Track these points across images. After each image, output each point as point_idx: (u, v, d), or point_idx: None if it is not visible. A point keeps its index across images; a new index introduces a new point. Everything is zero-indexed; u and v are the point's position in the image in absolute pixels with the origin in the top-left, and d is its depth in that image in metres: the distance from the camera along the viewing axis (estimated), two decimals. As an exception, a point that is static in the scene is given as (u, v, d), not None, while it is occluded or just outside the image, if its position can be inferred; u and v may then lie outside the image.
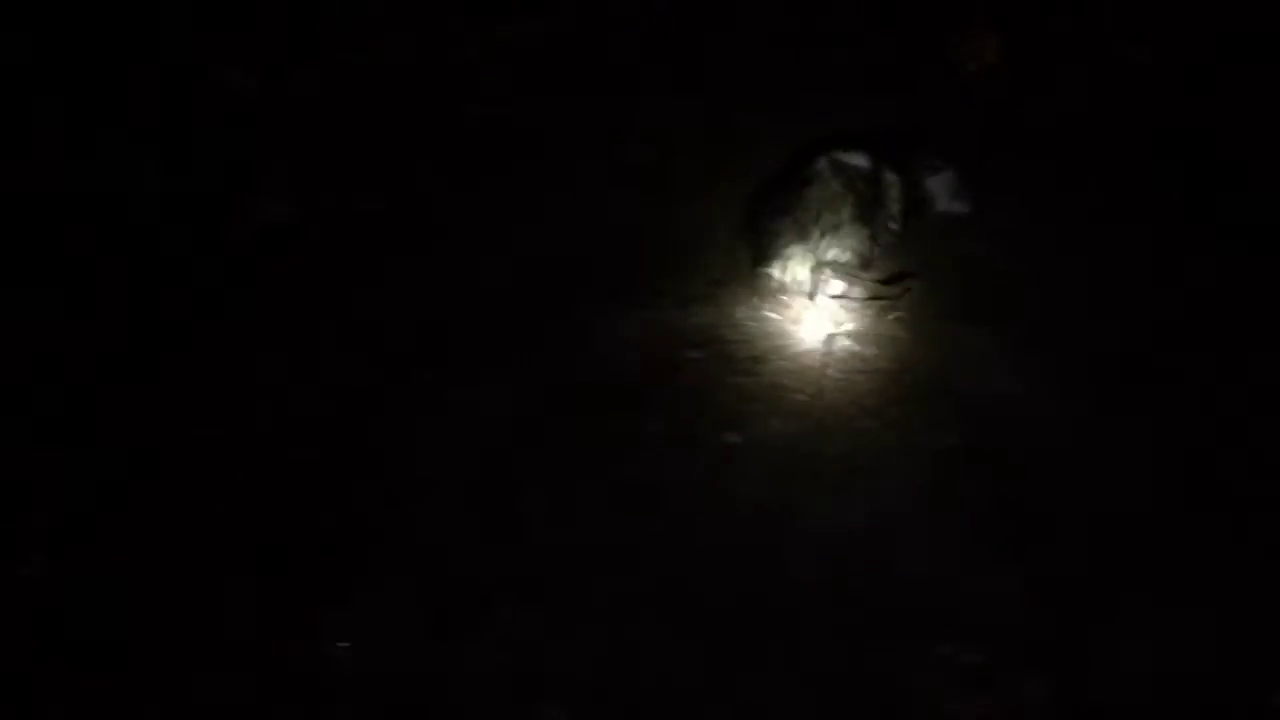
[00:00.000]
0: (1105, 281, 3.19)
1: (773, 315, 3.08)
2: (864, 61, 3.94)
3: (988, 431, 2.79)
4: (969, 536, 2.60)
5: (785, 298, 3.11)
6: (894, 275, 3.16)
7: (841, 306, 3.07)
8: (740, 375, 2.93)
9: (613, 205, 3.39)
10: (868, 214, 3.12)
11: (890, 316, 3.06)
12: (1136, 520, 2.61)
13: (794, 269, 3.08)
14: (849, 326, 3.04)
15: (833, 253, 3.08)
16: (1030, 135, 3.68)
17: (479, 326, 3.08)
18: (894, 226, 3.19)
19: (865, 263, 3.11)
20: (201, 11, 3.61)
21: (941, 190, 3.23)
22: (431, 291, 3.18)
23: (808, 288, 3.07)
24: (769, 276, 3.10)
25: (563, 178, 3.52)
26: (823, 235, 3.08)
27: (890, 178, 3.17)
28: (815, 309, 3.07)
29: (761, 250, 3.13)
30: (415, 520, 2.65)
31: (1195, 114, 3.72)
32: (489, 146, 3.62)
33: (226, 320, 3.09)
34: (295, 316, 3.11)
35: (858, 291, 3.08)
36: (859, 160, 3.16)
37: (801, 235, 3.09)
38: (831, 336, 3.01)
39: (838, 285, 3.08)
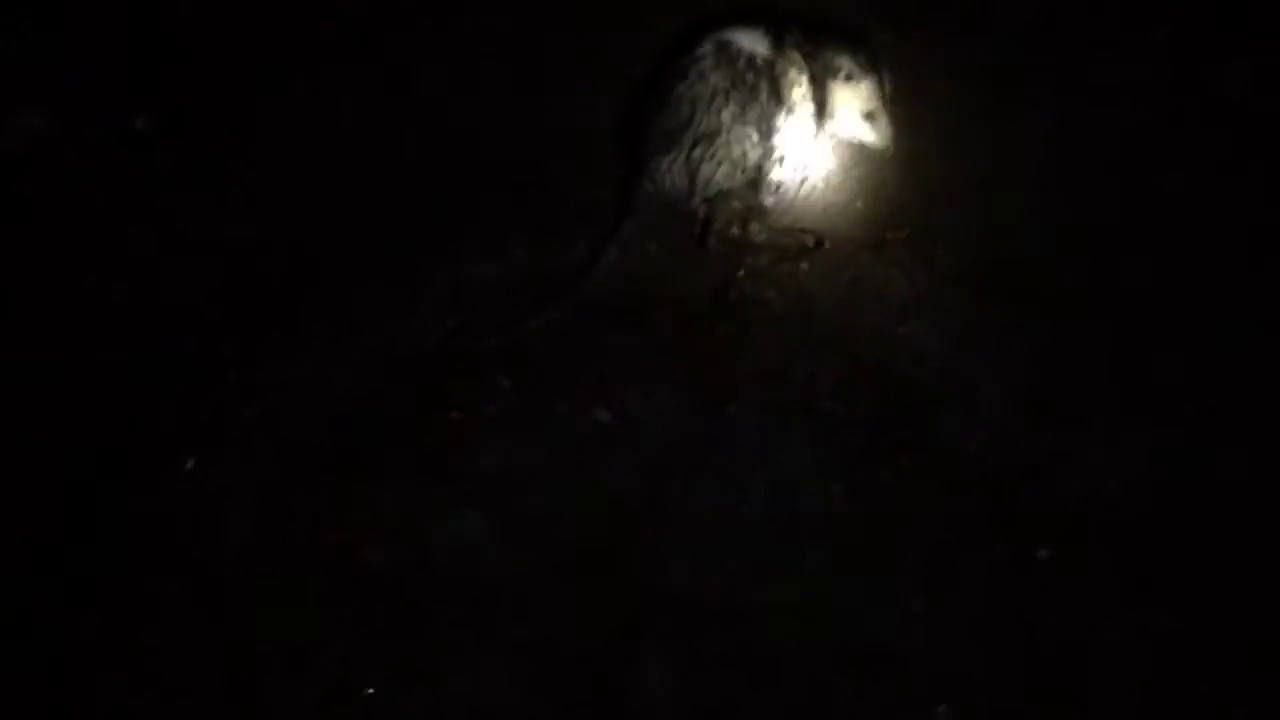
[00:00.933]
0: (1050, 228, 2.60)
1: (651, 254, 2.51)
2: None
3: (908, 398, 2.33)
4: (882, 539, 2.19)
5: (666, 228, 2.52)
6: (796, 207, 2.53)
7: (734, 243, 2.49)
8: (610, 335, 2.40)
9: (452, 109, 2.70)
10: (759, 116, 2.42)
11: (799, 263, 2.48)
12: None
13: (666, 187, 2.45)
14: (742, 270, 2.48)
15: (708, 168, 2.43)
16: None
17: (285, 285, 2.46)
18: (799, 136, 2.47)
19: (755, 182, 2.47)
20: None
21: (851, 103, 2.46)
22: (226, 239, 2.54)
23: (691, 213, 2.50)
24: (641, 200, 2.47)
25: (391, 71, 2.81)
26: (695, 145, 2.42)
27: (795, 70, 2.43)
28: (704, 245, 2.50)
29: (629, 165, 2.50)
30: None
31: None
32: (298, 33, 2.87)
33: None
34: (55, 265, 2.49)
35: (754, 228, 2.49)
36: (754, 43, 2.42)
37: (669, 143, 2.43)
38: (723, 282, 2.46)
39: (726, 215, 2.49)
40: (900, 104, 2.46)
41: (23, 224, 2.56)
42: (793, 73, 2.42)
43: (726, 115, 2.41)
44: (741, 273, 2.46)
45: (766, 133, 2.43)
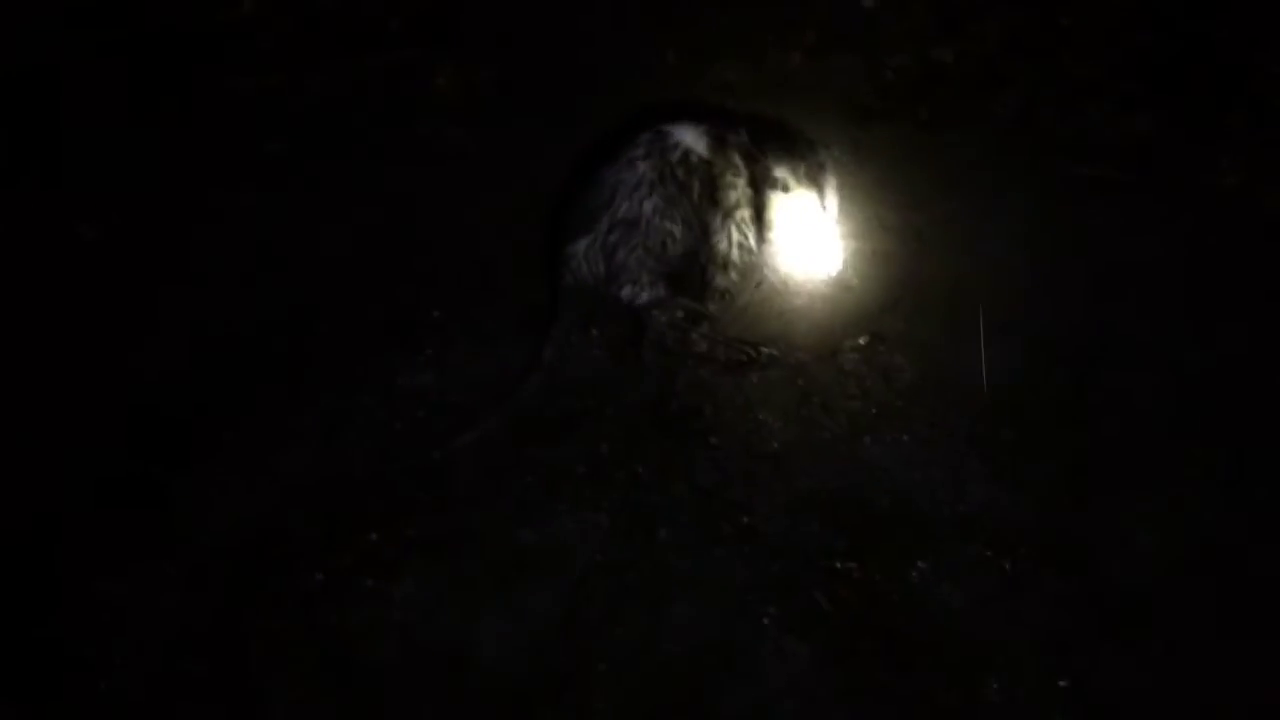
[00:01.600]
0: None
1: (587, 361, 2.40)
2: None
3: (854, 523, 2.16)
4: (817, 678, 2.01)
5: (604, 336, 2.41)
6: (742, 314, 2.41)
7: (672, 352, 2.37)
8: (539, 451, 2.28)
9: (388, 208, 2.66)
10: (687, 213, 2.33)
11: (743, 374, 2.33)
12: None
13: (583, 273, 2.37)
14: (680, 380, 2.35)
15: (623, 254, 2.33)
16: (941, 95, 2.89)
17: (206, 392, 2.39)
18: (738, 240, 2.38)
19: (690, 285, 2.37)
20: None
21: (789, 215, 2.36)
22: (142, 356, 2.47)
23: (627, 317, 2.38)
24: (565, 292, 2.39)
25: (327, 179, 2.75)
26: (611, 229, 2.33)
27: (732, 174, 2.34)
28: (637, 353, 2.38)
29: (550, 252, 2.43)
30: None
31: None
32: (243, 145, 2.84)
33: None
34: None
35: (695, 337, 2.37)
36: (694, 140, 2.34)
37: (586, 227, 2.35)
38: (660, 393, 2.33)
39: (664, 322, 2.37)
40: (847, 217, 2.36)
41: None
42: (729, 175, 2.34)
43: (648, 205, 2.33)
44: (680, 383, 2.35)
45: (696, 231, 2.35)
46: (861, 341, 2.41)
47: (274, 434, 2.32)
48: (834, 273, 2.44)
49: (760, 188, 2.33)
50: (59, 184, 2.72)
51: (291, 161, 2.74)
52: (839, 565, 2.11)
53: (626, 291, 2.37)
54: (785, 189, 2.30)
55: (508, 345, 2.42)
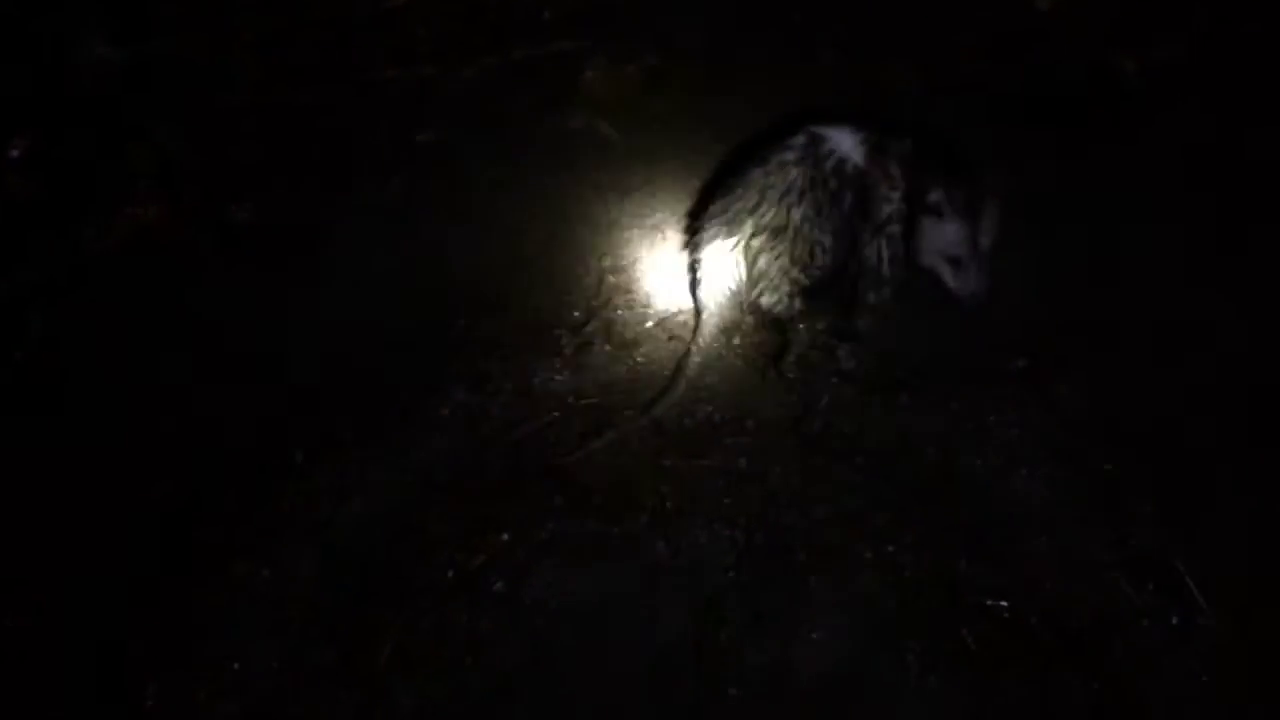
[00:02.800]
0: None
1: (728, 372, 2.34)
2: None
3: (1004, 559, 2.06)
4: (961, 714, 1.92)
5: (746, 345, 2.36)
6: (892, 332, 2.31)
7: (817, 368, 2.31)
8: (676, 460, 2.24)
9: (538, 186, 2.65)
10: (836, 224, 2.24)
11: (894, 395, 2.24)
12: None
13: (720, 274, 2.30)
14: (827, 398, 2.29)
15: (765, 260, 2.27)
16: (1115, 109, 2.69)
17: (340, 396, 2.39)
18: (871, 254, 2.27)
19: (839, 299, 2.30)
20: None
21: (938, 241, 2.21)
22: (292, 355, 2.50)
23: (772, 325, 2.33)
24: (704, 293, 2.32)
25: (484, 158, 2.75)
26: (755, 234, 2.27)
27: (888, 187, 2.24)
28: (778, 368, 2.32)
29: (690, 248, 2.37)
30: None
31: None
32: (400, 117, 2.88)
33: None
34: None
35: (842, 353, 2.31)
36: (851, 148, 2.24)
37: (730, 229, 2.29)
38: (803, 409, 2.26)
39: (809, 336, 2.32)
40: (1004, 239, 2.22)
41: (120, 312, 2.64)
42: (884, 188, 2.25)
43: (797, 213, 2.26)
44: (825, 401, 2.29)
45: (845, 243, 2.26)
46: (1020, 365, 2.31)
47: (413, 427, 2.34)
48: (987, 295, 2.31)
49: (915, 206, 2.22)
50: (214, 169, 2.79)
51: (441, 151, 2.76)
52: (989, 603, 2.02)
53: (766, 299, 2.31)
54: (940, 214, 2.18)
55: (647, 349, 2.39)
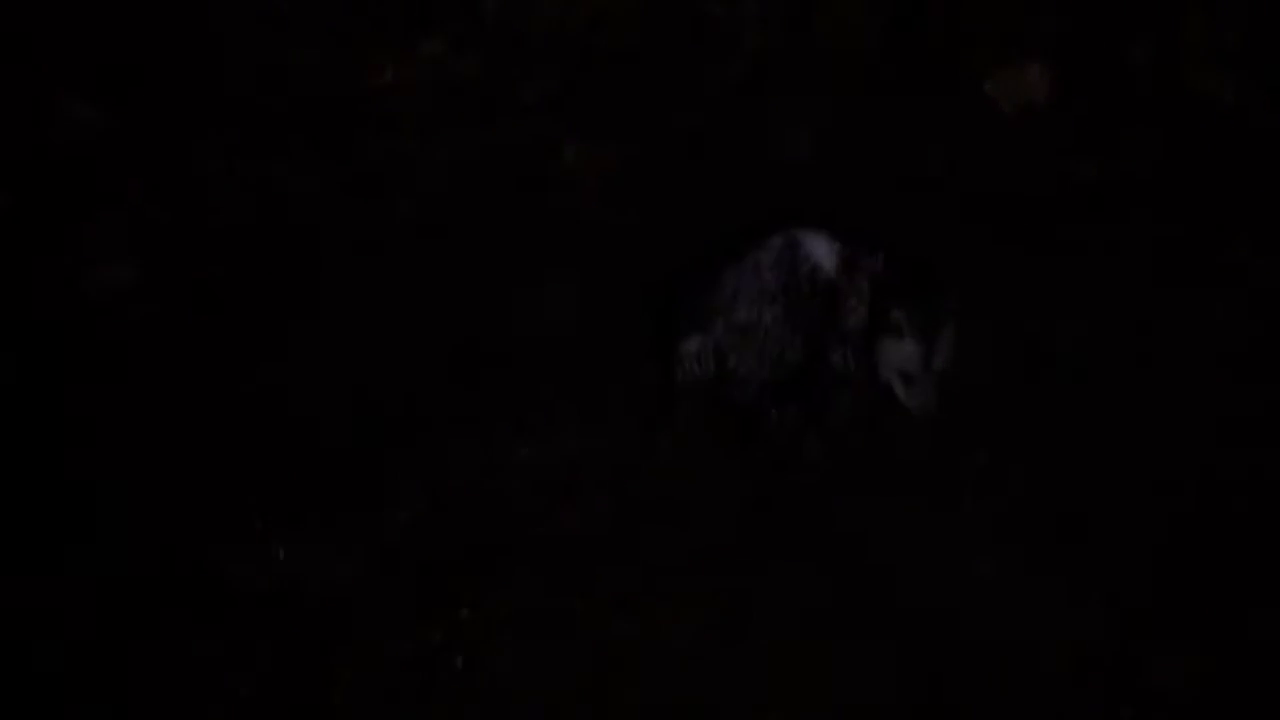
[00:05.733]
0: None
1: (697, 450, 2.41)
2: (876, 92, 3.07)
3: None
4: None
5: (714, 422, 2.44)
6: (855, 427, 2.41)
7: (783, 453, 2.40)
8: (645, 535, 2.29)
9: (513, 263, 2.76)
10: (805, 328, 2.37)
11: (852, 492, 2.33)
12: None
13: (693, 371, 2.40)
14: (787, 483, 2.37)
15: (735, 359, 2.38)
16: (1078, 215, 2.79)
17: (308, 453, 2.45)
18: (838, 360, 2.39)
19: (788, 387, 2.40)
20: (47, 29, 3.01)
21: (900, 361, 2.31)
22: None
23: (740, 409, 2.41)
24: (677, 383, 2.43)
25: (460, 239, 2.85)
26: (728, 331, 2.38)
27: (855, 299, 2.36)
28: (747, 448, 2.41)
29: (662, 343, 2.48)
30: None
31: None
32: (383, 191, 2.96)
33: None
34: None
35: (810, 442, 2.41)
36: (825, 256, 2.37)
37: (702, 326, 2.40)
38: (768, 492, 2.34)
39: (779, 421, 2.41)
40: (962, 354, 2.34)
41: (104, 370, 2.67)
42: (853, 300, 2.37)
43: (768, 314, 2.37)
44: (790, 489, 2.36)
45: (813, 346, 2.38)
46: (980, 461, 2.39)
47: (374, 499, 2.37)
48: (937, 409, 2.36)
49: (877, 322, 2.33)
50: (188, 232, 2.85)
51: (418, 225, 2.84)
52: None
53: (737, 395, 2.41)
54: (899, 334, 2.30)
55: (618, 427, 2.46)
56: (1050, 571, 2.21)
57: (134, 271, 2.81)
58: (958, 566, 2.23)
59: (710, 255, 2.50)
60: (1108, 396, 2.47)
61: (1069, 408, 2.45)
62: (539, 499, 2.36)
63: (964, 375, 2.37)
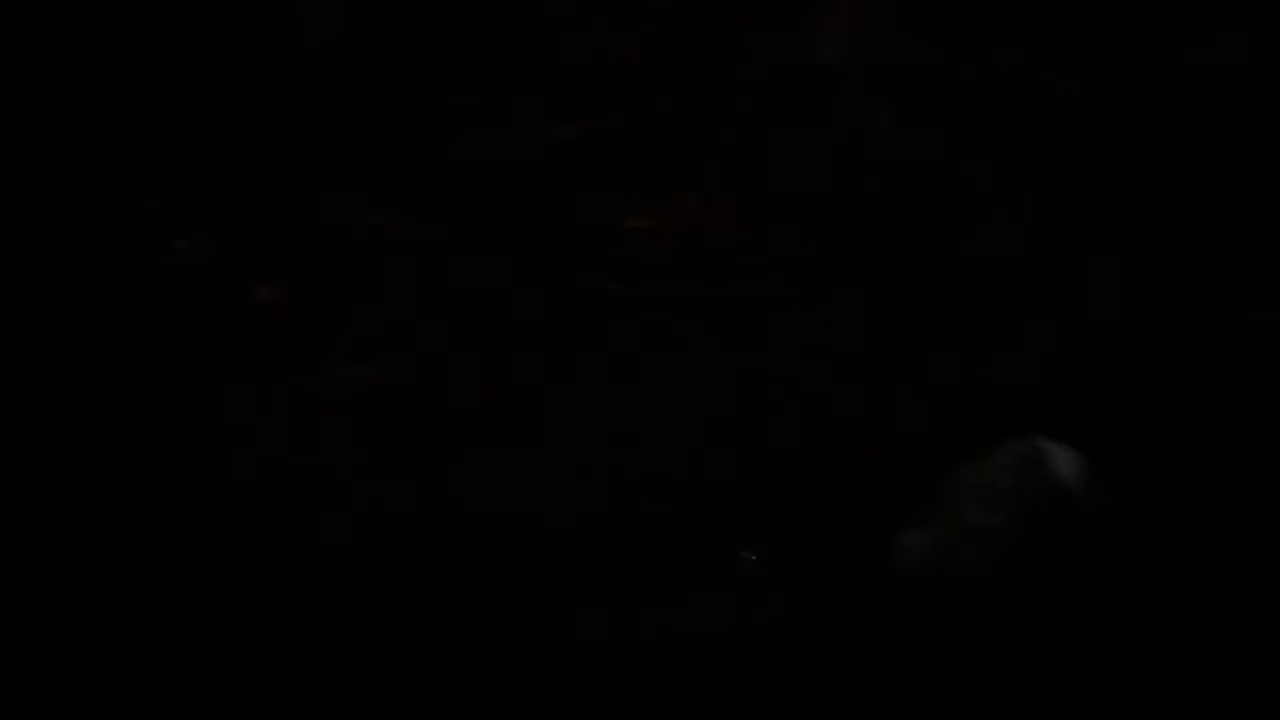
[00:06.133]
0: None
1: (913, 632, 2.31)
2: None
3: None
4: None
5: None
6: None
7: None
8: None
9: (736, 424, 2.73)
10: (1039, 537, 2.27)
11: None
12: None
13: (912, 565, 2.32)
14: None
15: (961, 559, 2.29)
16: None
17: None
18: (1070, 577, 2.26)
19: (999, 596, 2.27)
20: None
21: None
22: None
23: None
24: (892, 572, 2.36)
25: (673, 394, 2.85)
26: (954, 530, 2.30)
27: (1094, 515, 2.27)
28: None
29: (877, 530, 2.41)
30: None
31: None
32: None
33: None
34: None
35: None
36: (1069, 469, 2.28)
37: (927, 519, 2.33)
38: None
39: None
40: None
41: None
42: (1090, 519, 2.28)
43: (1001, 519, 2.27)
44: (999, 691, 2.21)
45: (1044, 558, 2.27)
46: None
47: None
48: None
49: (1114, 545, 2.25)
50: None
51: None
52: None
53: (958, 595, 2.31)
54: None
55: (828, 610, 2.38)
56: None
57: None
58: None
59: (940, 447, 2.45)
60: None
61: None
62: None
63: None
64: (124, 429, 2.66)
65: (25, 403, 2.66)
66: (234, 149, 3.07)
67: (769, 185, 3.22)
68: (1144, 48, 3.35)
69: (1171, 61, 3.29)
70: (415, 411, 2.78)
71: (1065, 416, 2.47)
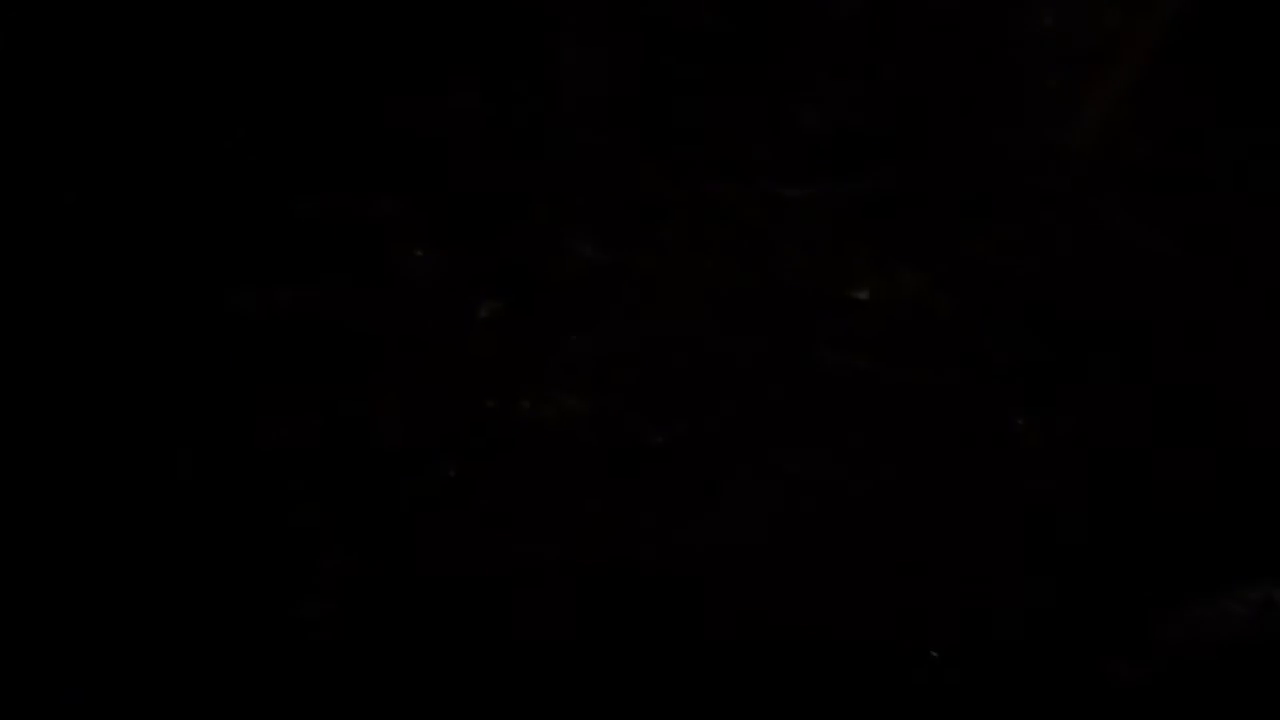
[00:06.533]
0: None
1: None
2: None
3: None
4: None
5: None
6: None
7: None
8: None
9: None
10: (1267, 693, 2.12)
11: None
12: None
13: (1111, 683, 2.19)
14: None
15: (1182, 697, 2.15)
16: None
17: None
18: None
19: None
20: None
21: None
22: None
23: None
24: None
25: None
26: (1175, 668, 2.19)
27: None
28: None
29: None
30: None
31: None
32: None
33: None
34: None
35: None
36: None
37: (1136, 648, 2.22)
38: None
39: None
40: None
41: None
42: None
43: (1229, 665, 2.16)
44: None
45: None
46: None
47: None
48: None
49: None
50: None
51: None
52: None
53: None
54: None
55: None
56: None
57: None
58: None
59: (1161, 578, 2.32)
60: None
61: None
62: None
63: None
64: (325, 430, 2.75)
65: (245, 403, 2.77)
66: (484, 176, 3.18)
67: (997, 274, 3.13)
68: None
69: None
70: (602, 444, 2.81)
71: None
